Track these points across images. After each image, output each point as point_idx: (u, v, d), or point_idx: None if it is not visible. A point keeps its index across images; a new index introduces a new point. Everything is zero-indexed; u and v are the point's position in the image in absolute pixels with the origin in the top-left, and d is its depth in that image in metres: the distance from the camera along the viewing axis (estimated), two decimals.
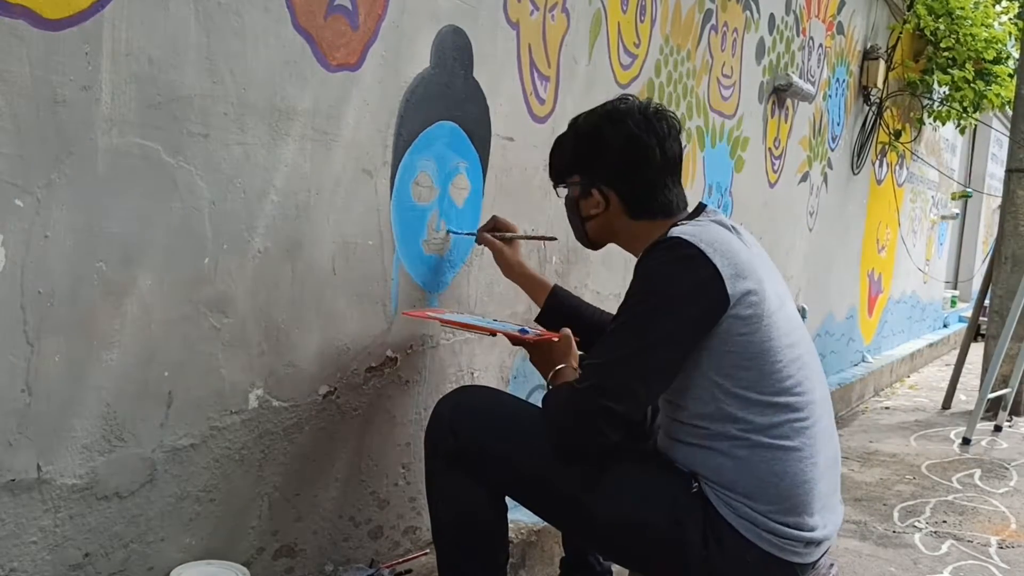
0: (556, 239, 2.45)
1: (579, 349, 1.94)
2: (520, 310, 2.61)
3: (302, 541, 2.02)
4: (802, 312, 4.97)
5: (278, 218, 1.84)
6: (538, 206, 2.64)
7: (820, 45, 4.76)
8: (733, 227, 1.83)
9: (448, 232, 2.30)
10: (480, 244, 2.31)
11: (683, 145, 1.92)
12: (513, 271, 2.28)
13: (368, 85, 2.01)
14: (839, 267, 5.67)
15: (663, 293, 1.67)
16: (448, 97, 2.25)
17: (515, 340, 1.99)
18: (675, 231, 1.72)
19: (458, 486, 1.80)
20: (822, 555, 1.78)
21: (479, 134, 2.38)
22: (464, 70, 2.30)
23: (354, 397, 2.10)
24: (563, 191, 1.96)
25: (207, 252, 1.71)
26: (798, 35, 4.44)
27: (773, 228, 4.48)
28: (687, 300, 1.65)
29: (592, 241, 1.98)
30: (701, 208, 1.87)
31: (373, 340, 2.13)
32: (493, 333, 2.03)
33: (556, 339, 1.91)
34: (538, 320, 2.25)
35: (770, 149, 4.33)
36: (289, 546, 1.99)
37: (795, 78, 4.23)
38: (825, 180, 5.19)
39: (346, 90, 1.96)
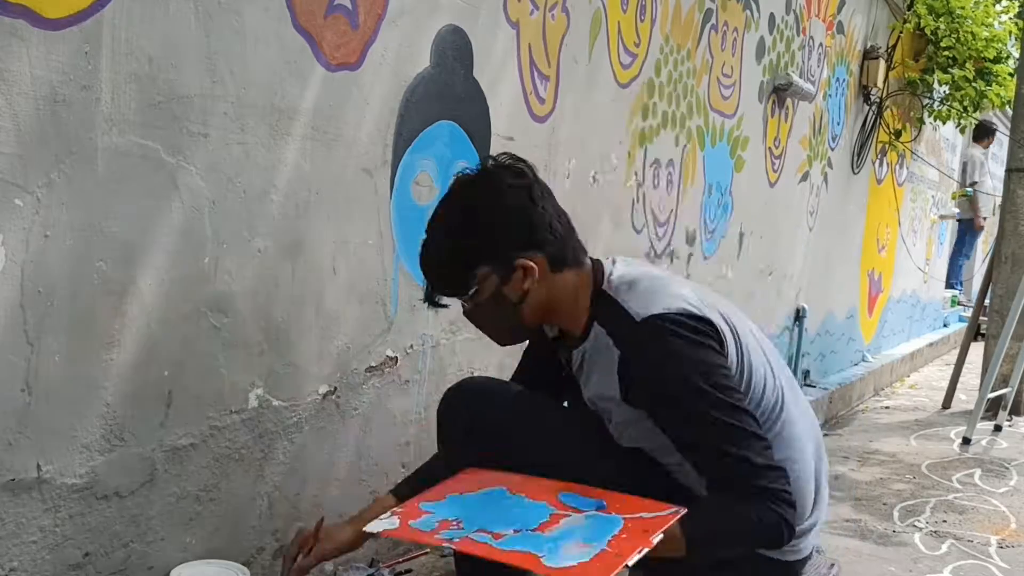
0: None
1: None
2: None
3: None
4: (802, 312, 4.97)
5: (278, 218, 1.84)
6: None
7: (820, 44, 4.76)
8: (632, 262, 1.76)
9: None
10: None
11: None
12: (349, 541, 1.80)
13: (368, 84, 2.01)
14: (839, 266, 5.67)
15: (708, 369, 1.56)
16: (448, 96, 2.25)
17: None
18: (655, 311, 1.58)
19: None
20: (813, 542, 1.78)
21: (479, 134, 2.37)
22: (464, 69, 2.30)
23: (354, 396, 2.10)
24: (471, 303, 1.65)
25: (207, 251, 1.72)
26: (798, 34, 4.44)
27: (773, 228, 4.48)
28: (722, 362, 1.59)
29: (530, 328, 1.72)
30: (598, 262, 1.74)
31: (373, 339, 2.13)
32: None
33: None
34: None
35: (770, 149, 4.32)
36: (289, 545, 1.99)
37: (795, 77, 4.23)
38: (825, 180, 5.19)
39: (346, 89, 1.96)
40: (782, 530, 1.53)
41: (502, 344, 1.79)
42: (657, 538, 1.39)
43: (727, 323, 1.65)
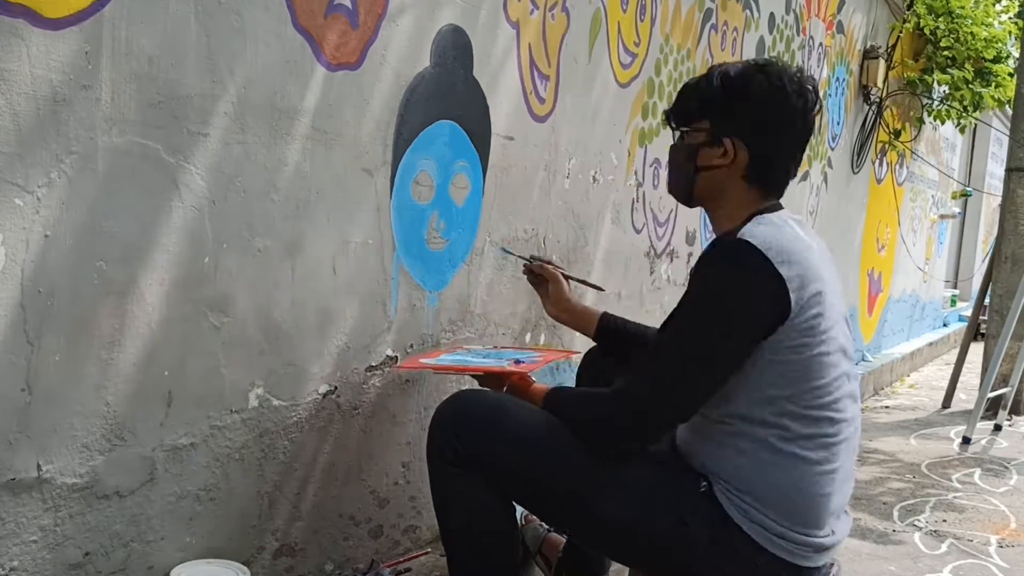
0: (604, 290, 2.36)
1: None
2: (520, 309, 2.61)
3: (302, 540, 2.02)
4: None
5: (278, 217, 1.84)
6: (538, 205, 2.64)
7: (820, 44, 4.76)
8: (801, 226, 1.76)
9: (503, 251, 2.29)
10: (528, 275, 2.23)
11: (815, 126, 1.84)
12: (561, 306, 2.18)
13: (368, 84, 2.01)
14: (839, 266, 5.67)
15: (722, 309, 1.60)
16: (448, 96, 2.25)
17: (498, 373, 1.94)
18: (745, 234, 1.63)
19: (468, 490, 1.76)
20: (829, 559, 1.77)
21: (479, 133, 2.37)
22: (464, 69, 2.30)
23: (354, 396, 2.10)
24: (679, 135, 1.82)
25: (207, 251, 1.72)
26: (798, 34, 4.44)
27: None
28: (747, 316, 1.59)
29: (693, 196, 1.82)
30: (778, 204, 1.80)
31: (373, 339, 2.13)
32: (482, 372, 1.95)
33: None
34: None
35: None
36: (289, 545, 1.99)
37: None
38: (825, 179, 5.19)
39: (346, 89, 1.96)
40: (605, 439, 1.69)
41: (668, 190, 1.90)
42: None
43: (815, 311, 1.60)
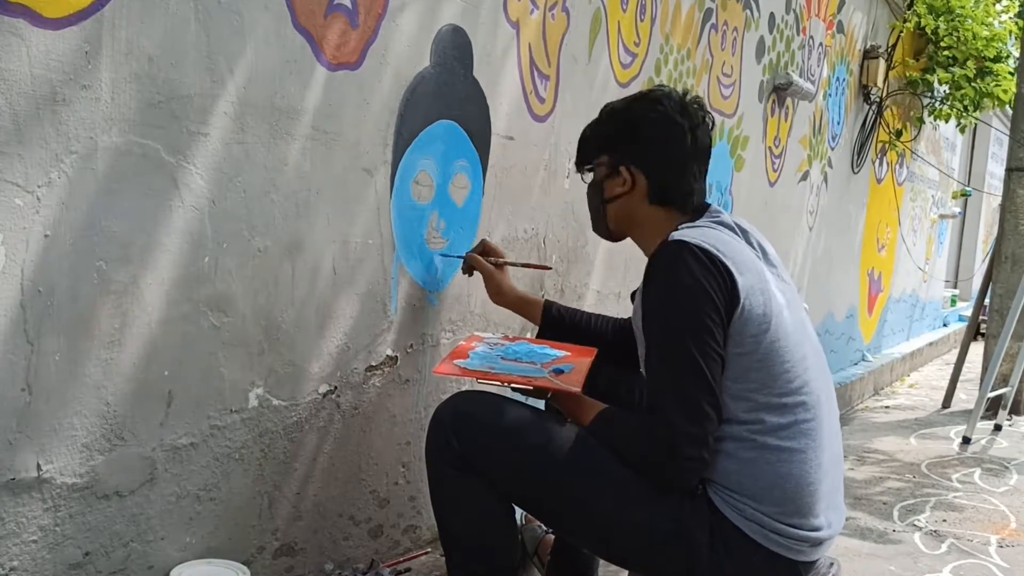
0: (550, 268, 2.40)
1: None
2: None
3: (302, 540, 2.02)
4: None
5: (278, 217, 1.84)
6: (538, 205, 2.64)
7: (820, 44, 4.76)
8: (738, 226, 1.82)
9: (440, 256, 2.28)
10: (466, 271, 2.27)
11: (712, 141, 1.91)
12: (504, 296, 2.22)
13: (368, 84, 2.01)
14: (839, 266, 5.67)
15: (686, 310, 1.64)
16: (448, 96, 2.25)
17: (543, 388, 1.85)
18: (676, 236, 1.71)
19: (467, 492, 1.76)
20: (825, 554, 1.78)
21: (479, 133, 2.37)
22: (464, 69, 2.30)
23: (354, 396, 2.10)
24: (588, 177, 1.95)
25: (207, 251, 1.71)
26: (798, 34, 4.44)
27: (773, 227, 4.48)
28: (709, 305, 1.63)
29: (609, 227, 1.94)
30: (706, 207, 1.87)
31: (373, 339, 2.13)
32: (529, 385, 1.85)
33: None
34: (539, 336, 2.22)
35: (770, 148, 4.33)
36: (289, 545, 1.99)
37: (796, 77, 4.23)
38: (825, 179, 5.19)
39: (346, 89, 1.96)
40: (660, 465, 1.66)
41: (593, 228, 2.01)
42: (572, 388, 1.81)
43: (763, 298, 1.66)
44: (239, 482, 1.86)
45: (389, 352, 2.18)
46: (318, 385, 2.00)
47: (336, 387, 2.05)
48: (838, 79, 5.16)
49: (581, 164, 1.96)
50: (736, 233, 1.79)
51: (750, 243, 1.80)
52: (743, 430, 1.67)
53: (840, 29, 5.07)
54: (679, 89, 1.91)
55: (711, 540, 1.68)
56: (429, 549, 2.36)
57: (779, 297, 1.72)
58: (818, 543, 1.72)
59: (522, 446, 1.75)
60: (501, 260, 2.24)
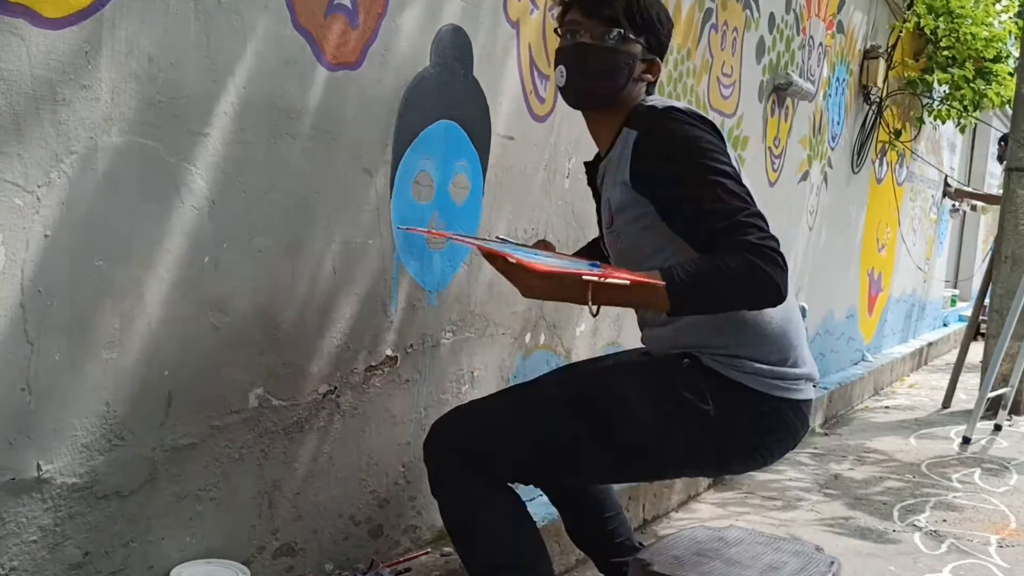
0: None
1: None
2: (520, 309, 2.61)
3: (302, 540, 2.02)
4: (803, 311, 4.96)
5: (279, 217, 1.84)
6: (538, 205, 2.64)
7: (820, 44, 4.76)
8: None
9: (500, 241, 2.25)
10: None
11: None
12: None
13: (368, 84, 2.01)
14: (839, 266, 5.67)
15: (703, 141, 1.68)
16: (448, 96, 2.25)
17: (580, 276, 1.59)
18: (652, 102, 1.78)
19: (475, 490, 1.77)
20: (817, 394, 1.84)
21: (479, 133, 2.37)
22: (464, 69, 2.30)
23: (354, 396, 2.10)
24: (608, 37, 1.77)
25: (207, 251, 1.71)
26: (798, 34, 4.44)
27: (773, 228, 4.47)
28: (716, 144, 1.70)
29: (606, 101, 1.82)
30: None
31: (373, 339, 2.13)
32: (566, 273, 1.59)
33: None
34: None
35: (770, 148, 4.32)
36: (289, 545, 1.99)
37: (796, 77, 4.23)
38: (825, 179, 5.19)
39: (346, 89, 1.96)
40: (770, 286, 1.58)
41: (577, 95, 1.84)
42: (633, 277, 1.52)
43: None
44: (239, 482, 1.86)
45: (389, 352, 2.18)
46: (318, 385, 2.00)
47: (336, 387, 2.05)
48: (838, 79, 5.16)
49: (610, 22, 1.76)
50: None
51: None
52: None
53: (840, 29, 5.07)
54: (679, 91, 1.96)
55: (719, 405, 1.72)
56: (429, 549, 2.36)
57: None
58: (811, 379, 1.81)
59: (514, 423, 1.77)
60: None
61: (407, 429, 2.28)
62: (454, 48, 2.25)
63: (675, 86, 3.33)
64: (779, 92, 4.28)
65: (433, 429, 1.82)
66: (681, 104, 1.76)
